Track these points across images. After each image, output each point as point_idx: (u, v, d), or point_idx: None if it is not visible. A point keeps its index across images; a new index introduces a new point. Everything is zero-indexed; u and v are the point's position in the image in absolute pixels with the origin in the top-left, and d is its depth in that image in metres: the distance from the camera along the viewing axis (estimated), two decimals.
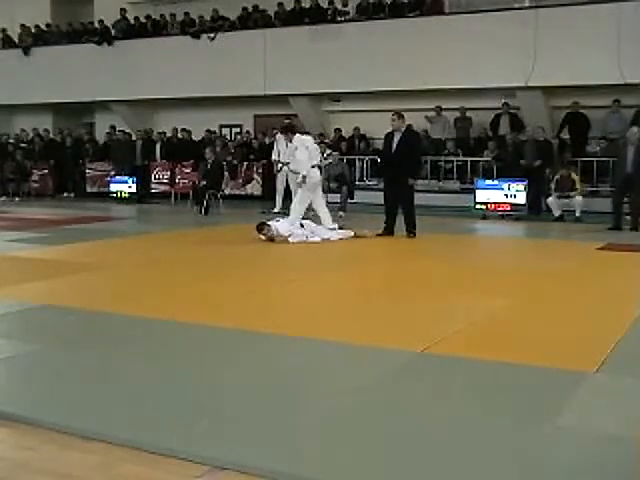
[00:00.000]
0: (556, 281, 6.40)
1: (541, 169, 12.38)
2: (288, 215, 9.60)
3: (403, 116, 9.54)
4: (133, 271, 6.87)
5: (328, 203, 12.94)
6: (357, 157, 15.12)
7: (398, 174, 9.32)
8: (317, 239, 8.96)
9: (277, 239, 8.67)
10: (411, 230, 9.36)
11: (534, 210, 12.14)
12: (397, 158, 9.34)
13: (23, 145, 18.52)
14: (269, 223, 8.80)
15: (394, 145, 9.41)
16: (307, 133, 11.10)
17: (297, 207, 9.50)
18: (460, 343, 4.26)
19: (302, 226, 9.08)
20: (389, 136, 9.57)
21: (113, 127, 17.76)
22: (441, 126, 15.21)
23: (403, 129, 9.51)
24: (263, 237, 8.70)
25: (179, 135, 16.65)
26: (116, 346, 4.21)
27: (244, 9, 17.08)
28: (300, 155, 9.52)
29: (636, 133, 10.47)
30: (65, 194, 17.67)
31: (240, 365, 3.84)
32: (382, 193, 9.73)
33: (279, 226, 8.81)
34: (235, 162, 15.73)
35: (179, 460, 2.66)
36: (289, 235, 8.77)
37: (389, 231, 9.43)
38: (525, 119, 14.32)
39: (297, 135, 9.88)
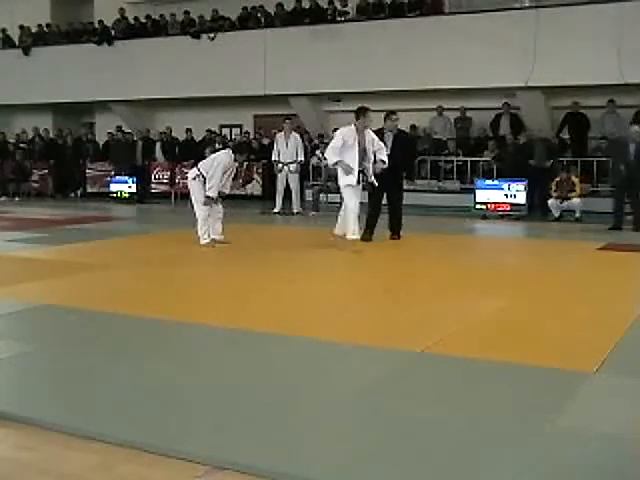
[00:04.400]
0: (556, 281, 6.41)
1: (549, 169, 12.33)
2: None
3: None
4: (133, 271, 6.86)
5: (328, 203, 13.10)
6: None
7: (392, 174, 8.81)
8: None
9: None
10: (396, 231, 9.18)
11: (540, 211, 12.07)
12: (392, 159, 8.74)
13: (23, 145, 18.51)
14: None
15: (388, 145, 8.99)
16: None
17: None
18: (460, 343, 4.26)
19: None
20: (379, 135, 8.85)
21: (110, 132, 17.76)
22: (442, 126, 15.21)
23: (395, 130, 9.32)
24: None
25: (173, 135, 16.69)
26: (116, 346, 4.21)
27: (244, 9, 17.08)
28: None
29: (638, 131, 10.47)
30: (72, 195, 17.63)
31: (240, 365, 3.84)
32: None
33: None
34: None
35: (179, 460, 2.66)
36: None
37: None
38: (525, 119, 14.31)
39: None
